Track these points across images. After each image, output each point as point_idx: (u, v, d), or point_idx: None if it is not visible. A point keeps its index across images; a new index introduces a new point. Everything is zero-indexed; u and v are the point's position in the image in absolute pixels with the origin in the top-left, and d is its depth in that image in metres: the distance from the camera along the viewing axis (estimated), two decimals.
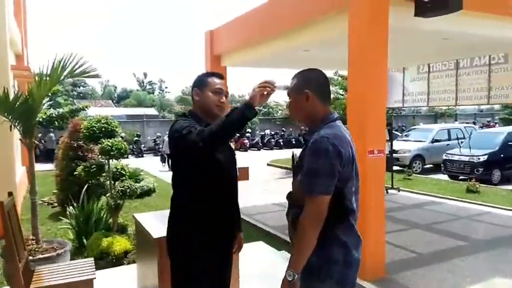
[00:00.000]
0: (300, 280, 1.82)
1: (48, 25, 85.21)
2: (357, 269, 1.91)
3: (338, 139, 1.82)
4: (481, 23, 5.16)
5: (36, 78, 4.03)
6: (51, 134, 18.90)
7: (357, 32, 4.52)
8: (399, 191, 9.69)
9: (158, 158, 21.11)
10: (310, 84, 1.96)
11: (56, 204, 8.18)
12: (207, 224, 2.20)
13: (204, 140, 1.94)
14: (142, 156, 21.28)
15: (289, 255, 5.15)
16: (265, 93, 2.00)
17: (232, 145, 2.39)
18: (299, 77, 2.02)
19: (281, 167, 15.86)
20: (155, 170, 14.59)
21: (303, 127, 25.11)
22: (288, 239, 6.11)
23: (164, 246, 2.55)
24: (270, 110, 34.50)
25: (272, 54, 7.23)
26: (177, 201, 2.27)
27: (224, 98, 2.31)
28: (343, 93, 16.78)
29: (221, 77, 2.35)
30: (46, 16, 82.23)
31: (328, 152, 1.77)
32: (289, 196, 2.03)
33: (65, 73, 4.09)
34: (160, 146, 22.69)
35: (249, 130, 25.48)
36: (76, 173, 6.05)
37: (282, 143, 25.37)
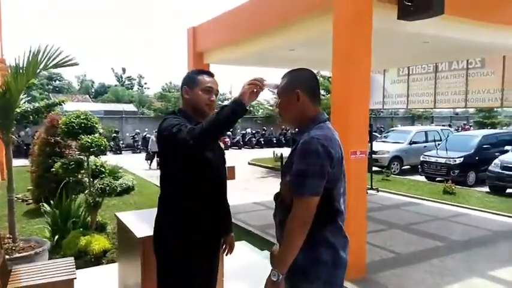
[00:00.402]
0: (286, 281, 1.81)
1: (22, 19, 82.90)
2: (344, 270, 1.92)
3: (328, 140, 1.82)
4: (461, 28, 5.29)
5: (12, 71, 3.90)
6: (28, 129, 18.42)
7: (341, 33, 4.54)
8: (378, 192, 9.84)
9: (137, 155, 20.88)
10: (301, 84, 1.95)
11: (31, 201, 7.97)
12: (196, 224, 2.17)
13: (195, 138, 1.92)
14: (121, 153, 20.99)
15: None
16: (255, 90, 1.99)
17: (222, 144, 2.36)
18: (289, 77, 2.00)
19: (262, 166, 15.88)
20: (134, 167, 14.36)
21: (283, 126, 25.23)
22: (269, 238, 6.13)
23: (148, 246, 2.50)
24: (251, 108, 34.46)
25: (256, 53, 7.21)
26: (165, 200, 2.23)
27: (214, 96, 2.28)
28: (325, 94, 16.90)
29: (211, 74, 2.33)
30: (20, 10, 79.95)
31: (318, 152, 1.76)
32: (277, 197, 2.01)
33: (42, 65, 3.98)
34: (140, 142, 22.43)
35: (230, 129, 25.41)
36: (53, 169, 5.90)
37: (263, 142, 25.43)
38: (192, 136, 1.92)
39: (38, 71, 4.01)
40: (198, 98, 2.24)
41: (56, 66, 4.05)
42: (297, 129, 2.03)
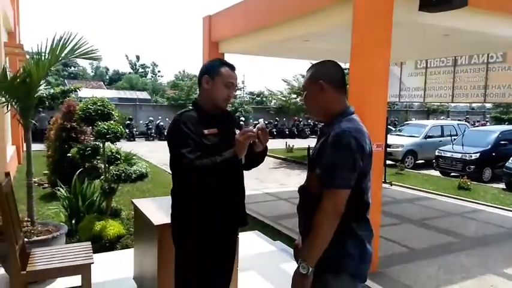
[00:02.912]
0: (312, 273, 1.80)
1: (39, 6, 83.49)
2: (370, 263, 1.91)
3: (360, 133, 1.81)
4: (484, 21, 5.15)
5: (35, 56, 3.92)
6: (44, 114, 18.62)
7: (360, 24, 4.46)
8: (391, 185, 9.76)
9: (150, 142, 21.01)
10: (324, 76, 1.93)
11: (46, 185, 8.09)
12: (212, 213, 2.17)
13: (192, 171, 2.05)
14: (134, 140, 21.13)
15: (284, 245, 5.14)
16: (251, 141, 2.15)
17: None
18: (314, 68, 2.00)
19: (274, 157, 15.84)
20: (147, 154, 14.45)
21: (296, 117, 25.08)
22: (281, 229, 6.10)
23: (165, 233, 2.52)
24: (264, 99, 34.30)
25: (271, 43, 7.13)
26: (178, 192, 2.25)
27: (233, 92, 2.28)
28: None
29: (234, 68, 2.29)
30: None
31: (350, 145, 1.75)
32: (302, 189, 2.00)
33: (65, 53, 3.98)
34: (153, 130, 22.53)
35: (243, 118, 25.26)
36: (70, 154, 5.96)
37: (275, 133, 25.28)
38: (191, 168, 2.05)
39: (61, 58, 4.02)
40: (217, 91, 2.22)
41: (79, 56, 4.06)
42: (322, 122, 2.01)
